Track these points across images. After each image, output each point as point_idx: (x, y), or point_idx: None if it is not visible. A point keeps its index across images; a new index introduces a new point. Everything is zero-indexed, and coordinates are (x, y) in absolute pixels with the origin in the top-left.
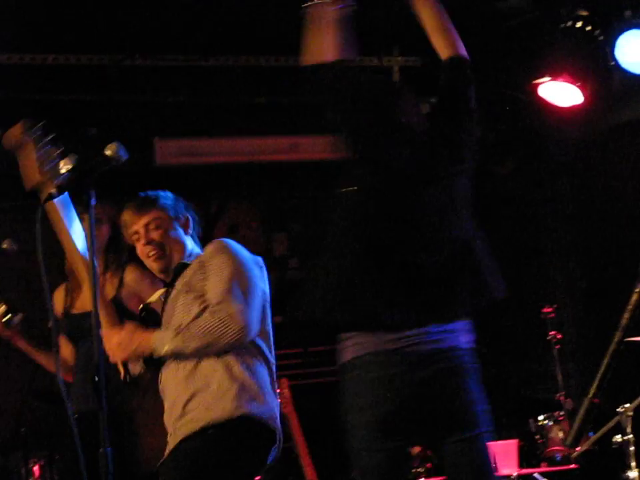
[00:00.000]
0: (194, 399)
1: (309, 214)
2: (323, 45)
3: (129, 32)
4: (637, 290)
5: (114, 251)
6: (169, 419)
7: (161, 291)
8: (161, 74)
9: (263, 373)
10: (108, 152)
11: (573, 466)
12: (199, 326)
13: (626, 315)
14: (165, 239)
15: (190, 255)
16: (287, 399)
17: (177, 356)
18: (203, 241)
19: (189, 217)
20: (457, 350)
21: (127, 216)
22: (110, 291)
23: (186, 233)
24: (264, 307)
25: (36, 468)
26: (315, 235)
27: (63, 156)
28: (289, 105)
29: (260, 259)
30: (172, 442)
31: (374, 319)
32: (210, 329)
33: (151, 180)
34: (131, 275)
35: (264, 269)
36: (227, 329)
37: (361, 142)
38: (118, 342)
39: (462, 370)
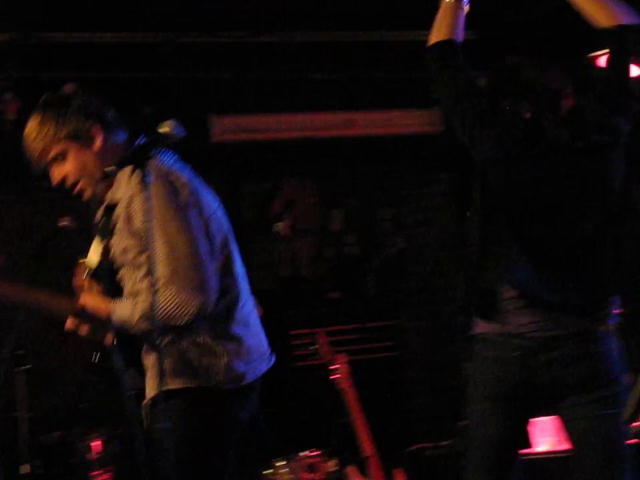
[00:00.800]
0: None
1: (365, 190)
2: (441, 30)
3: (184, 9)
4: None
5: None
6: None
7: (100, 245)
8: (216, 50)
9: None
10: (164, 129)
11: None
12: (152, 309)
13: None
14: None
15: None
16: (345, 375)
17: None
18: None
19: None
20: (590, 334)
21: None
22: None
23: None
24: (225, 245)
25: (95, 444)
26: (371, 211)
27: None
28: (345, 80)
29: (197, 185)
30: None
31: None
32: (165, 313)
33: (206, 157)
34: None
35: (198, 189)
36: (183, 310)
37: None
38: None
39: (591, 354)
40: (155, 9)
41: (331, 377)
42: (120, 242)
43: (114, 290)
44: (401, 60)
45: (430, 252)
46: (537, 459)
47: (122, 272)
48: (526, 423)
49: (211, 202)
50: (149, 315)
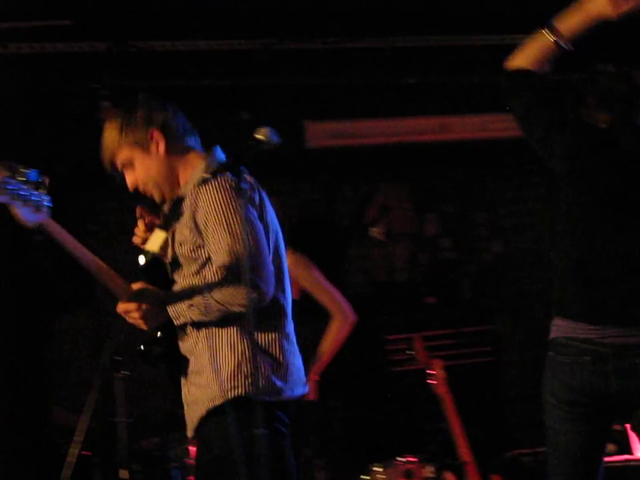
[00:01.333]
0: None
1: (460, 194)
2: (527, 58)
3: (280, 16)
4: None
5: None
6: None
7: (162, 236)
8: (311, 56)
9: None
10: (260, 136)
11: None
12: (213, 298)
13: None
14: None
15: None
16: (441, 380)
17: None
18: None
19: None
20: None
21: None
22: None
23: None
24: (276, 256)
25: (193, 448)
26: (466, 215)
27: None
28: (439, 85)
29: (255, 188)
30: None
31: (573, 308)
32: (225, 300)
33: (302, 163)
34: (287, 260)
35: (263, 198)
36: (240, 299)
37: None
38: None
39: None
40: (251, 16)
41: (428, 382)
42: (179, 234)
43: (165, 281)
44: (496, 63)
45: (526, 256)
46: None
47: (177, 264)
48: (603, 430)
49: (272, 213)
50: (205, 303)
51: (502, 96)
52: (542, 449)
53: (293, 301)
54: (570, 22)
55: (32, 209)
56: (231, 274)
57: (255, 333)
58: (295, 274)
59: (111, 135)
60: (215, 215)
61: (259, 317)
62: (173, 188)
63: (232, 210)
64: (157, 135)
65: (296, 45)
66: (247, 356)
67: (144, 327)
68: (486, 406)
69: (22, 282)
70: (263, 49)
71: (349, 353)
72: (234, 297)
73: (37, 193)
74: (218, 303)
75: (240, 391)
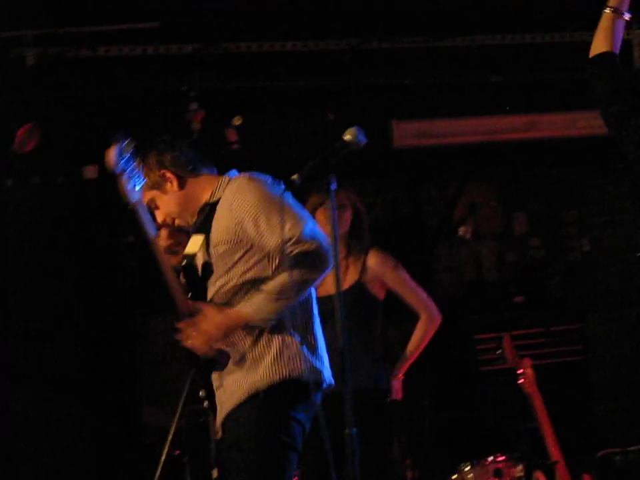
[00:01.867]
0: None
1: (548, 193)
2: (600, 41)
3: (365, 15)
4: None
5: (356, 235)
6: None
7: (199, 240)
8: (397, 56)
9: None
10: (347, 137)
11: None
12: (293, 279)
13: None
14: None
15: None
16: (530, 379)
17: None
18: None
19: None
20: None
21: None
22: (353, 275)
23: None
24: None
25: None
26: (554, 214)
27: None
28: (526, 82)
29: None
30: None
31: None
32: (304, 275)
33: (389, 163)
34: (373, 259)
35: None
36: (318, 264)
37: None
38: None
39: None
40: (337, 17)
41: (517, 382)
42: (215, 235)
43: (200, 283)
44: (582, 60)
45: (616, 254)
46: None
47: (211, 265)
48: None
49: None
50: (290, 286)
51: (589, 83)
52: (633, 448)
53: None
54: None
55: (133, 186)
56: (297, 246)
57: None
58: (380, 273)
59: None
60: (256, 201)
61: None
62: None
63: (267, 193)
64: (169, 175)
65: (381, 45)
66: (288, 340)
67: (197, 351)
68: (576, 405)
69: (114, 283)
70: (349, 49)
71: (439, 353)
72: (314, 264)
73: (137, 171)
74: (298, 279)
75: (285, 373)
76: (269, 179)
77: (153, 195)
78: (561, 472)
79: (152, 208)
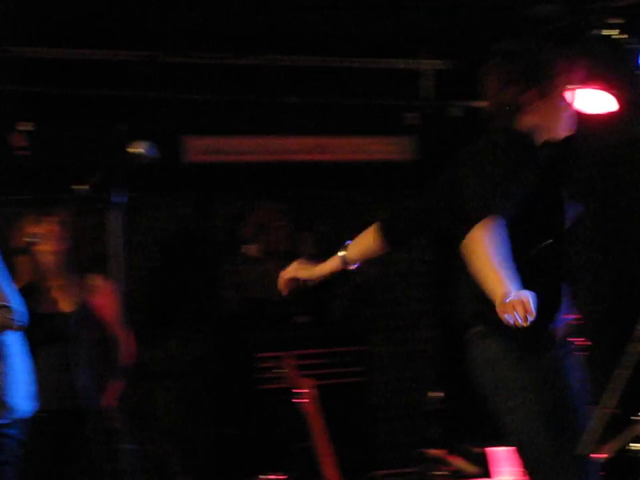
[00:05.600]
0: None
1: (335, 214)
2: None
3: (163, 28)
4: None
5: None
6: None
7: None
8: (192, 71)
9: None
10: (136, 149)
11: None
12: None
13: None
14: None
15: None
16: (311, 399)
17: None
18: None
19: None
20: None
21: None
22: (76, 296)
23: None
24: None
25: None
26: (341, 235)
27: None
28: (318, 105)
29: None
30: None
31: None
32: None
33: (178, 177)
34: (94, 282)
35: None
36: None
37: None
38: None
39: None
40: (135, 28)
41: (297, 401)
42: None
43: None
44: (373, 87)
45: (399, 278)
46: None
47: None
48: None
49: None
50: None
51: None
52: (409, 470)
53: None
54: None
55: None
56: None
57: None
58: (98, 297)
59: None
60: None
61: None
62: None
63: None
64: None
65: (176, 59)
66: None
67: None
68: (356, 426)
69: None
70: (145, 60)
71: (220, 370)
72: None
73: None
74: None
75: None
76: None
77: None
78: None
79: None
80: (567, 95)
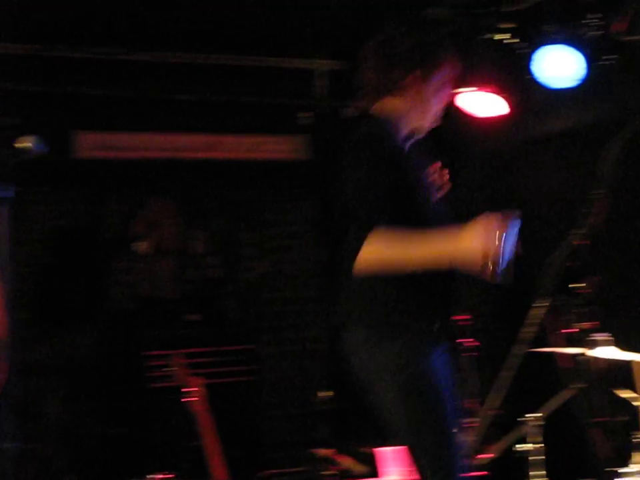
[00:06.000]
0: None
1: (229, 213)
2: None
3: (52, 22)
4: (535, 305)
5: None
6: None
7: None
8: (84, 66)
9: None
10: (24, 144)
11: (483, 473)
12: None
13: (525, 329)
14: None
15: None
16: (200, 398)
17: None
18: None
19: None
20: None
21: None
22: None
23: None
24: None
25: None
26: (234, 234)
27: None
28: (212, 102)
29: None
30: None
31: None
32: None
33: (69, 173)
34: None
35: None
36: None
37: None
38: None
39: None
40: (22, 20)
41: (186, 400)
42: None
43: None
44: (267, 86)
45: (291, 278)
46: None
47: None
48: None
49: None
50: None
51: None
52: (295, 469)
53: None
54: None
55: None
56: None
57: None
58: None
59: None
60: None
61: None
62: None
63: None
64: None
65: (69, 53)
66: None
67: None
68: (244, 425)
69: None
70: (34, 54)
71: (109, 369)
72: None
73: None
74: None
75: None
76: None
77: None
78: None
79: None
80: (446, 88)
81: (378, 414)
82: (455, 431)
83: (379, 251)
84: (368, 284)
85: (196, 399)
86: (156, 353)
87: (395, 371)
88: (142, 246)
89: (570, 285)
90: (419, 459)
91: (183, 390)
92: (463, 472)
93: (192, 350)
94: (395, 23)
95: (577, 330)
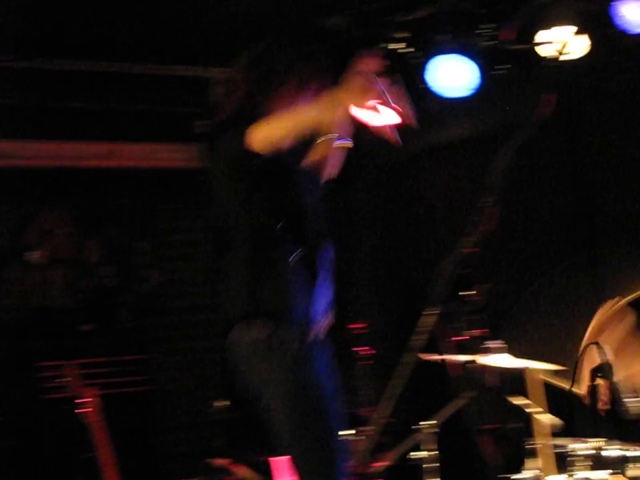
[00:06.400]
0: None
1: (124, 222)
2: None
3: None
4: (425, 312)
5: None
6: None
7: None
8: None
9: None
10: None
11: None
12: None
13: (415, 337)
14: None
15: None
16: (94, 409)
17: None
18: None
19: None
20: None
21: None
22: None
23: None
24: None
25: None
26: (128, 243)
27: None
28: (106, 111)
29: None
30: None
31: None
32: None
33: None
34: None
35: None
36: None
37: None
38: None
39: None
40: None
41: (80, 411)
42: None
43: None
44: (164, 93)
45: (187, 287)
46: None
47: None
48: None
49: None
50: None
51: None
52: None
53: None
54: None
55: None
56: None
57: None
58: None
59: None
60: None
61: None
62: None
63: None
64: None
65: None
66: None
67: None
68: (139, 435)
69: None
70: None
71: None
72: None
73: None
74: None
75: None
76: None
77: None
78: None
79: None
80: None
81: (264, 421)
82: (334, 434)
83: (265, 127)
84: (235, 281)
85: (90, 409)
86: (49, 363)
87: (274, 376)
88: (35, 255)
89: (460, 293)
90: (298, 464)
91: (76, 401)
92: (344, 477)
93: (86, 360)
94: (272, 36)
95: (467, 337)
